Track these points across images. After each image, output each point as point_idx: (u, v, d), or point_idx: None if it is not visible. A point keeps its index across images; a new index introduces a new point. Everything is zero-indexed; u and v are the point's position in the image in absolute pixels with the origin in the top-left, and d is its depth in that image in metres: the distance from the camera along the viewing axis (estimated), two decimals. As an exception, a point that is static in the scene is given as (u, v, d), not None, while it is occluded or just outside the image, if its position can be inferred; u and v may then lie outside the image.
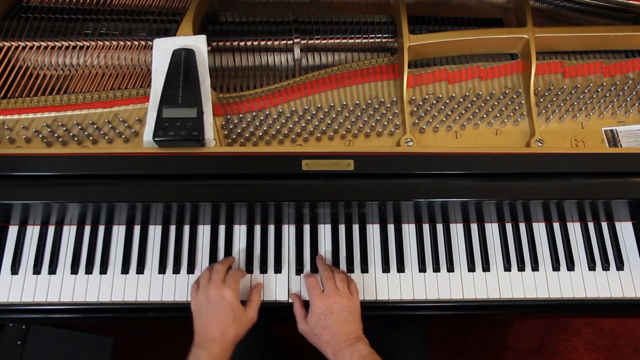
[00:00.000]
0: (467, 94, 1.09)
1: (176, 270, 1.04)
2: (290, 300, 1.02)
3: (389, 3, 1.20)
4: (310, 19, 1.12)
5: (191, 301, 0.95)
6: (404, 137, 1.03)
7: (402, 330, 1.13)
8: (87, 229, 1.07)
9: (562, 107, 1.09)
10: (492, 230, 1.09)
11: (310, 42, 1.11)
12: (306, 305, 0.99)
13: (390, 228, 1.08)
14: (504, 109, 1.07)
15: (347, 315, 0.92)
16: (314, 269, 1.04)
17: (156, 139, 0.95)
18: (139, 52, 1.10)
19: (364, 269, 1.05)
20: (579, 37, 1.10)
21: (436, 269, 1.05)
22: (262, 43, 1.11)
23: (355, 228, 1.08)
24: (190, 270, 1.04)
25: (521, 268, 1.06)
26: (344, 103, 1.07)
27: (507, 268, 1.06)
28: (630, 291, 1.05)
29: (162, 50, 1.03)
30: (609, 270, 1.07)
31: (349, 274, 1.04)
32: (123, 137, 1.02)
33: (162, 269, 1.04)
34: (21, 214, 1.03)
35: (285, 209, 1.03)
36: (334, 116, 1.05)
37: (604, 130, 1.08)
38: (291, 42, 1.11)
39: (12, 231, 1.06)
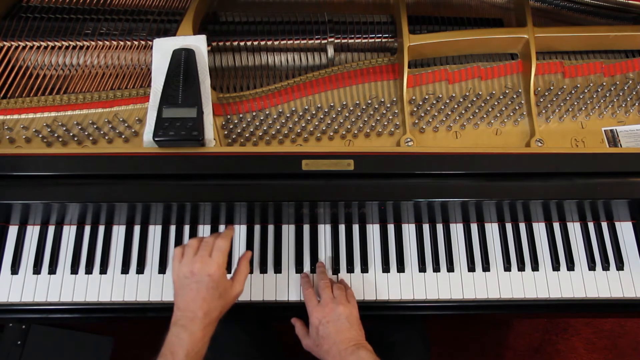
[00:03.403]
0: (467, 94, 1.09)
1: (176, 270, 1.04)
2: (290, 300, 1.02)
3: (389, 3, 1.20)
4: (311, 19, 1.13)
5: (173, 270, 0.89)
6: (404, 137, 1.03)
7: (402, 330, 1.13)
8: (87, 229, 1.06)
9: (562, 107, 1.09)
10: (492, 230, 1.09)
11: (310, 42, 1.11)
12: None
13: (390, 228, 1.08)
14: (504, 109, 1.07)
15: (345, 322, 0.91)
16: (314, 269, 1.04)
17: (156, 139, 0.95)
18: (139, 52, 1.10)
19: (364, 269, 1.05)
20: (579, 37, 1.10)
21: (436, 269, 1.05)
22: (262, 43, 1.11)
23: (355, 228, 1.08)
24: (190, 270, 1.04)
25: (521, 268, 1.06)
26: (344, 103, 1.07)
27: (507, 268, 1.06)
28: (630, 291, 1.05)
29: (162, 50, 1.03)
30: (609, 270, 1.06)
31: (345, 281, 1.03)
32: (123, 137, 1.02)
33: (162, 269, 1.04)
34: (21, 214, 1.03)
35: (285, 209, 1.03)
36: (334, 116, 1.05)
37: (604, 130, 1.08)
38: (291, 42, 1.11)
39: (12, 231, 1.06)
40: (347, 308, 0.93)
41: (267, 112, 1.06)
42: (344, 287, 0.98)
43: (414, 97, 1.08)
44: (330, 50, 1.12)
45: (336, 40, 1.11)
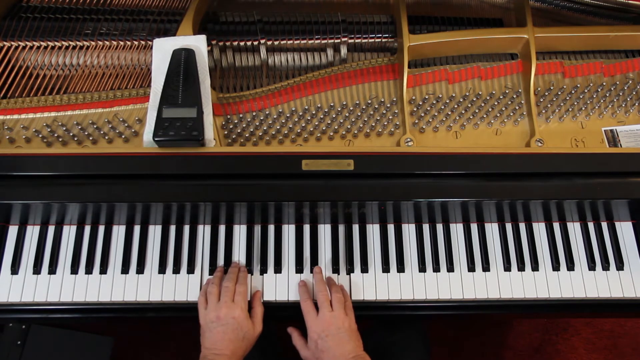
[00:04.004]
0: (467, 93, 1.09)
1: (176, 270, 1.04)
2: (290, 300, 1.02)
3: (389, 3, 1.20)
4: (311, 19, 1.12)
5: (200, 315, 0.96)
6: (404, 137, 1.03)
7: (402, 330, 1.13)
8: (87, 229, 1.06)
9: (562, 107, 1.09)
10: (492, 230, 1.09)
11: (310, 42, 1.11)
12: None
13: (390, 228, 1.08)
14: (504, 109, 1.07)
15: (344, 335, 0.92)
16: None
17: (156, 139, 0.95)
18: (139, 52, 1.10)
19: (364, 269, 1.05)
20: (579, 37, 1.10)
21: (436, 269, 1.05)
22: (262, 43, 1.11)
23: (355, 228, 1.08)
24: (190, 270, 1.04)
25: (521, 268, 1.06)
26: (344, 103, 1.07)
27: (507, 268, 1.06)
28: (630, 291, 1.05)
29: (162, 50, 1.03)
30: (608, 270, 1.06)
31: (344, 284, 1.03)
32: (123, 137, 1.02)
33: (162, 269, 1.04)
34: (21, 214, 1.03)
35: (285, 209, 1.03)
36: (334, 116, 1.05)
37: (604, 130, 1.08)
38: (291, 42, 1.11)
39: (12, 231, 1.06)
40: (345, 321, 0.93)
41: (267, 112, 1.06)
42: (343, 299, 0.97)
43: (414, 97, 1.08)
44: (331, 51, 1.12)
45: (336, 41, 1.11)
